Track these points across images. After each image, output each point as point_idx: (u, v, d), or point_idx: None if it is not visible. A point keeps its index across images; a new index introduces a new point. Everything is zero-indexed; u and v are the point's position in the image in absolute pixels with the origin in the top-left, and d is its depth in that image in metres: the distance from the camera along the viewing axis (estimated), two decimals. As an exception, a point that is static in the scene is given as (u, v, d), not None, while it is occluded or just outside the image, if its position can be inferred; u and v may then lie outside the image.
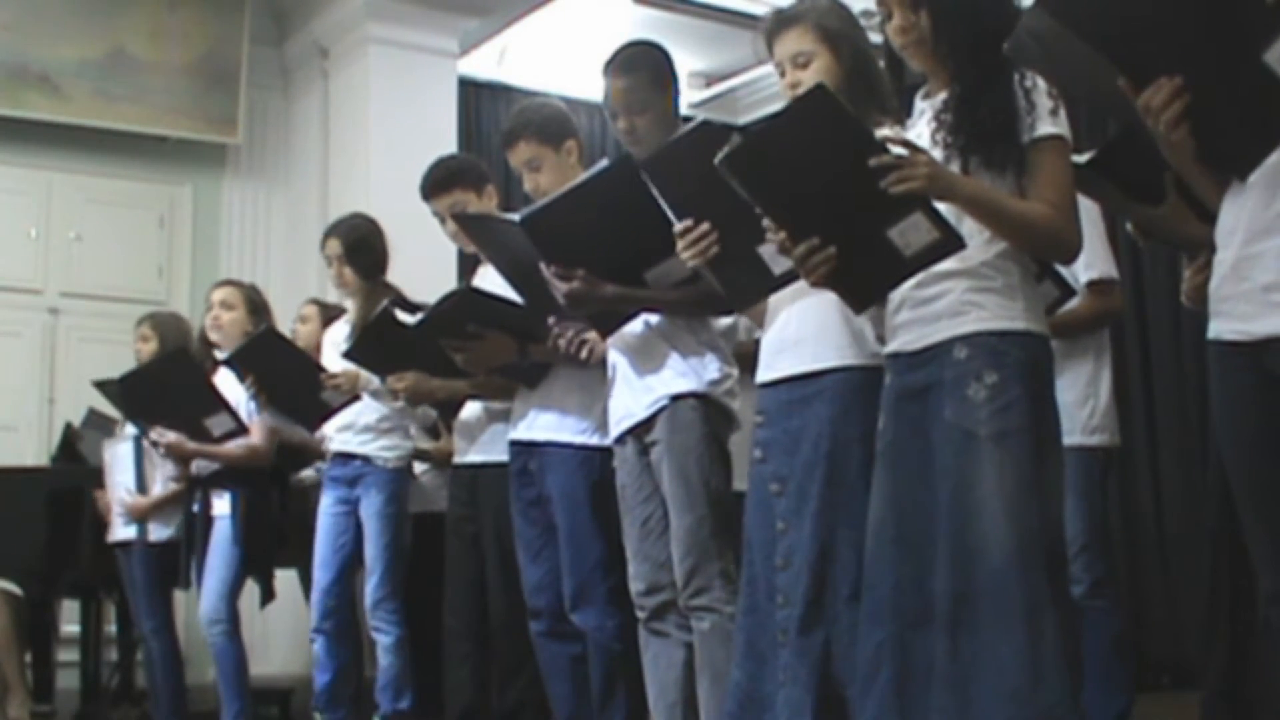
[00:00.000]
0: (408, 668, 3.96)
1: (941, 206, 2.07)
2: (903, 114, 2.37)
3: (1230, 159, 1.89)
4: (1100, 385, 3.21)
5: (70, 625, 5.39)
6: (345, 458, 4.06)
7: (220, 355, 4.13)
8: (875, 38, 2.45)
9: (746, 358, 2.83)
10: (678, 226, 2.43)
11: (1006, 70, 2.13)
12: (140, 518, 4.36)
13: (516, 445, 3.26)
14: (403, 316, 3.44)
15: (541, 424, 3.19)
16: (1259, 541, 1.92)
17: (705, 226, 2.40)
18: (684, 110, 7.75)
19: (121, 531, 4.45)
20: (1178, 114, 1.80)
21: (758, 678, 2.40)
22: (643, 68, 2.94)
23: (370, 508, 4.00)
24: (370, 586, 3.97)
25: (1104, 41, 1.84)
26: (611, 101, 2.95)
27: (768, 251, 2.31)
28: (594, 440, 3.12)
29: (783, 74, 2.46)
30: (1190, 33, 1.78)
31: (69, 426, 5.47)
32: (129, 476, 4.43)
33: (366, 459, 4.02)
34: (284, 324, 4.68)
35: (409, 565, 4.13)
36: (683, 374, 2.79)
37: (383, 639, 3.95)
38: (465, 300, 3.18)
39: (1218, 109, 1.80)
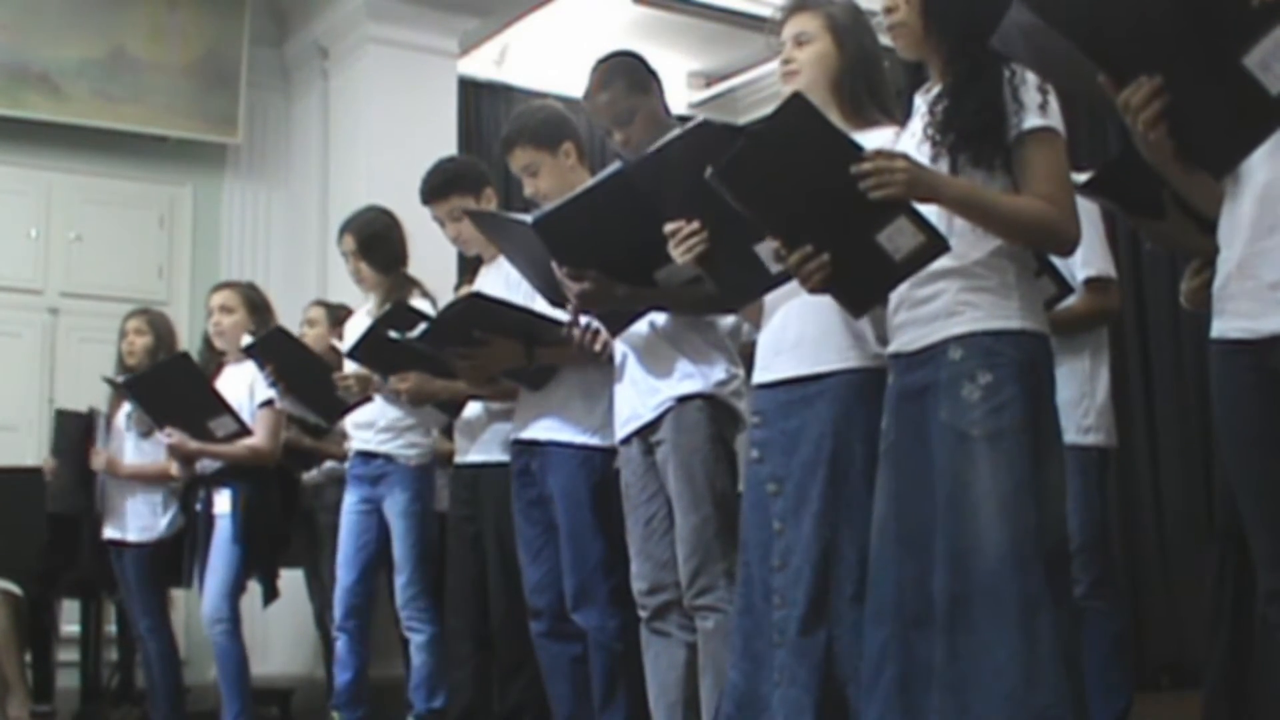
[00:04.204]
0: (441, 666, 3.94)
1: (932, 208, 2.08)
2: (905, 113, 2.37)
3: (1208, 158, 1.89)
4: (1097, 384, 3.20)
5: (70, 625, 5.38)
6: (367, 456, 4.05)
7: (244, 345, 4.13)
8: (888, 41, 2.46)
9: (746, 359, 2.84)
10: (668, 227, 2.45)
11: (995, 65, 2.13)
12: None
13: (518, 445, 3.27)
14: (394, 334, 3.42)
15: (543, 424, 3.20)
16: (1260, 540, 1.93)
17: (695, 225, 2.42)
18: (684, 110, 7.76)
19: (112, 531, 4.46)
20: (1156, 114, 1.80)
21: (754, 678, 2.41)
22: (617, 78, 2.97)
23: (395, 506, 3.99)
24: (400, 585, 3.96)
25: (1084, 39, 1.85)
26: (599, 121, 2.98)
27: (764, 250, 2.32)
28: (595, 440, 3.12)
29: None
30: (1171, 33, 1.78)
31: (69, 426, 5.47)
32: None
33: (389, 457, 4.02)
34: (285, 324, 4.68)
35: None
36: (689, 375, 2.80)
37: (415, 637, 3.95)
38: (471, 307, 3.18)
39: (1196, 109, 1.81)
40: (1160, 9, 1.77)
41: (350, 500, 4.08)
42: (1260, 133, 1.81)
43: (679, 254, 2.45)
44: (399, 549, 3.97)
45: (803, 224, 2.11)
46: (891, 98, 2.47)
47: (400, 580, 3.96)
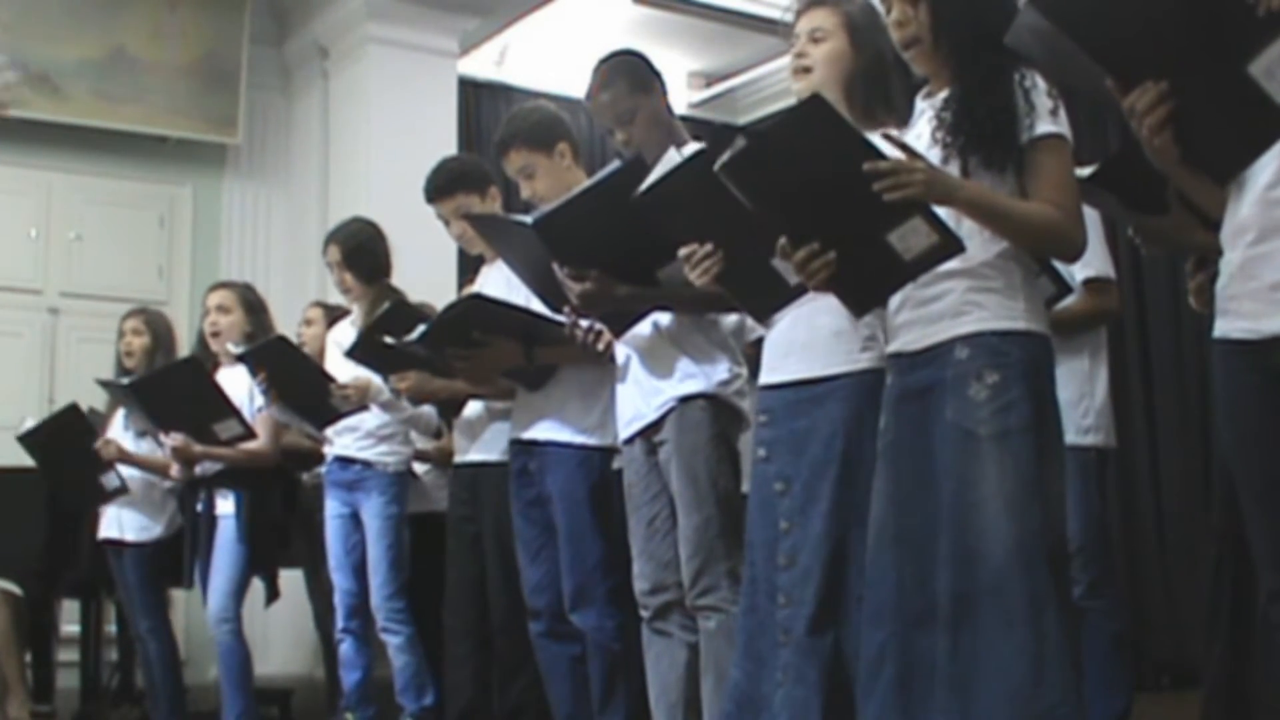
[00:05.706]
0: (424, 664, 3.97)
1: (941, 209, 2.08)
2: (909, 118, 2.37)
3: (1212, 164, 1.90)
4: (1096, 385, 3.21)
5: (70, 625, 5.39)
6: (345, 462, 4.07)
7: (233, 349, 4.12)
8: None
9: (751, 358, 2.84)
10: (682, 252, 2.46)
11: (1006, 70, 2.14)
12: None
13: (516, 445, 3.27)
14: (389, 340, 3.42)
15: (541, 424, 3.20)
16: (1261, 539, 1.93)
17: (708, 248, 2.42)
18: (684, 110, 7.75)
19: (110, 530, 4.46)
20: (1161, 119, 1.82)
21: (756, 678, 2.41)
22: (618, 78, 2.97)
23: (371, 510, 4.02)
24: (375, 587, 3.98)
25: (1092, 43, 1.86)
26: (601, 120, 2.99)
27: (782, 263, 2.32)
28: (593, 440, 3.13)
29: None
30: (1177, 39, 1.79)
31: (69, 426, 5.47)
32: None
33: (367, 464, 4.05)
34: (284, 324, 4.67)
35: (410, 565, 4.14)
36: (691, 375, 2.79)
37: (393, 639, 3.97)
38: (472, 308, 3.18)
39: (1201, 115, 1.82)
40: (1167, 15, 1.78)
41: (331, 506, 4.11)
42: (1264, 140, 1.82)
43: (695, 277, 2.45)
44: (373, 552, 4.00)
45: (810, 220, 2.11)
46: (902, 101, 2.46)
47: (374, 583, 3.99)
